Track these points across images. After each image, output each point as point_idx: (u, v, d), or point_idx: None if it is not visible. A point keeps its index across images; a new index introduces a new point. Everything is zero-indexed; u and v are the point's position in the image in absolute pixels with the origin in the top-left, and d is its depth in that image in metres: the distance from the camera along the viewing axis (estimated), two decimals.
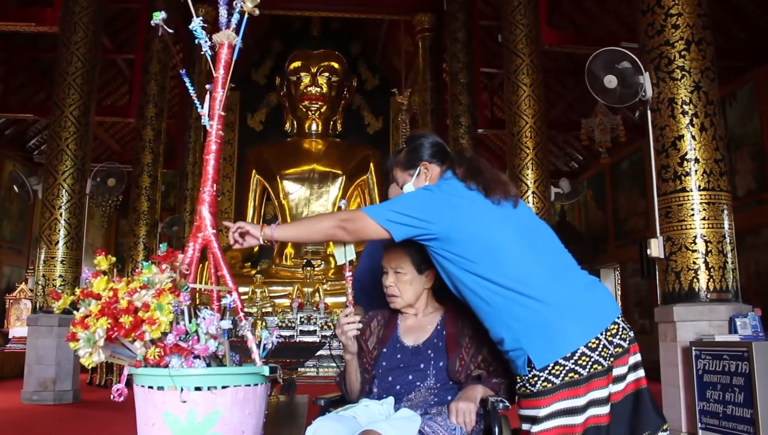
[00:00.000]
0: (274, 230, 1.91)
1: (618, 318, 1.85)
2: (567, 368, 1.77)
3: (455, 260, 1.88)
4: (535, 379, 1.79)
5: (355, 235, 1.91)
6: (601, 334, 1.80)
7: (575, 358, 1.77)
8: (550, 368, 1.77)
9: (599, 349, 1.78)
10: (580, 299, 1.85)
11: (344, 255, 2.04)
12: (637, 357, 1.89)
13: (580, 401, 1.76)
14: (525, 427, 1.84)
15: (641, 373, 1.89)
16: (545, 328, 1.79)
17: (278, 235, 1.91)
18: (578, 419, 1.76)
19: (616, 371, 1.82)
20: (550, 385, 1.77)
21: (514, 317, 1.81)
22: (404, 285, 2.10)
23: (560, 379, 1.77)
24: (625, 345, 1.83)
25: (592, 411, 1.77)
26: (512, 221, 1.92)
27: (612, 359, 1.80)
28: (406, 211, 1.88)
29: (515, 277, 1.82)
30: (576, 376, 1.76)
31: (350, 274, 2.08)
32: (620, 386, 1.84)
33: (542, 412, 1.78)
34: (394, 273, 2.10)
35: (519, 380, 1.85)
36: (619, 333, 1.83)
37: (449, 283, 1.95)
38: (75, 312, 1.70)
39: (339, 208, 3.00)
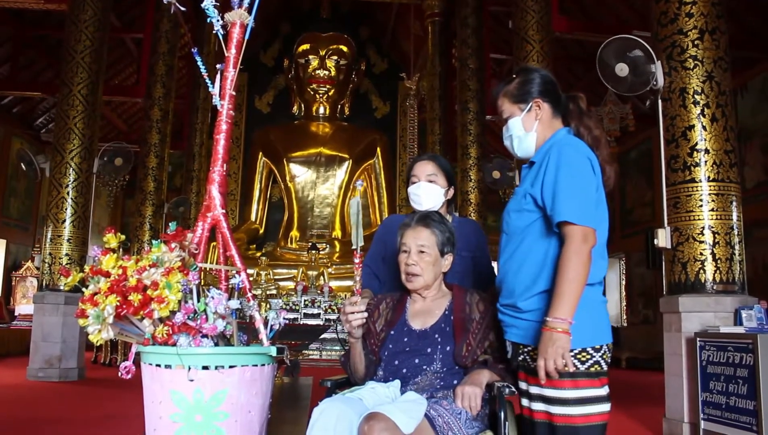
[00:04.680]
0: (565, 318, 1.72)
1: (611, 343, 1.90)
2: (593, 359, 1.80)
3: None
4: None
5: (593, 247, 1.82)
6: (610, 343, 1.87)
7: (602, 351, 1.82)
8: (576, 352, 1.78)
9: (610, 352, 1.85)
10: (605, 305, 1.92)
11: (355, 240, 2.01)
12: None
13: (602, 391, 1.81)
14: (537, 407, 1.83)
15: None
16: (592, 312, 1.82)
17: (570, 315, 1.73)
18: (608, 407, 1.81)
19: None
20: (573, 369, 1.77)
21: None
22: (427, 265, 2.08)
23: (585, 366, 1.79)
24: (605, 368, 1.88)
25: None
26: (604, 206, 1.92)
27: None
28: (589, 199, 1.82)
29: (593, 258, 1.81)
30: (599, 368, 1.81)
31: (359, 260, 2.04)
32: None
33: (570, 394, 1.77)
34: (418, 252, 2.09)
35: (523, 350, 1.86)
36: (610, 354, 1.88)
37: (535, 257, 1.86)
38: (83, 290, 1.71)
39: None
